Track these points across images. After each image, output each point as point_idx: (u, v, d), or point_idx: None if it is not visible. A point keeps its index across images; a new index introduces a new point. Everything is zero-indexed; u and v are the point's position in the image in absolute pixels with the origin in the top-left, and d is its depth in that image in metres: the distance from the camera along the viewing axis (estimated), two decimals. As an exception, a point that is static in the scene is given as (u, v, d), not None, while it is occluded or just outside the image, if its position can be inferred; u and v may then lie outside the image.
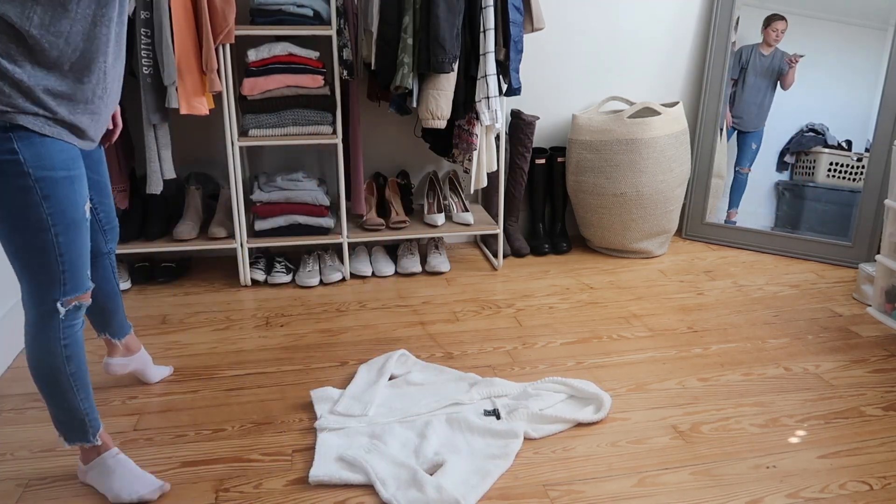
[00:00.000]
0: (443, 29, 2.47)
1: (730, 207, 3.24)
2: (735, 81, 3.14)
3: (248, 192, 2.99)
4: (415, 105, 2.63)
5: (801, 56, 2.89)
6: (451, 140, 2.84)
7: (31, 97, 1.31)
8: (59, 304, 1.46)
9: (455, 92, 2.62)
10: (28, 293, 1.45)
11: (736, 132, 3.19)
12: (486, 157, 2.77)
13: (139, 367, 2.05)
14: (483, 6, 2.56)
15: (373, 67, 2.62)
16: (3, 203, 1.35)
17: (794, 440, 1.83)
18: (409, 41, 2.52)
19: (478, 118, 2.66)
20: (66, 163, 1.39)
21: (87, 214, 1.47)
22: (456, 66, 2.56)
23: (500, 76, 2.69)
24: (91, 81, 1.39)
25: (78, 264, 1.46)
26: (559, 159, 3.16)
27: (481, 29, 2.58)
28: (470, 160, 2.72)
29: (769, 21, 3.04)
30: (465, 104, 2.66)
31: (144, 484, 1.61)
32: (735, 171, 3.19)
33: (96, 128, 1.47)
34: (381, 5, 2.55)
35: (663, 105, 3.10)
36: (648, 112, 3.08)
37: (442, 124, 2.60)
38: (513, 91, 2.73)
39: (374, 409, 1.92)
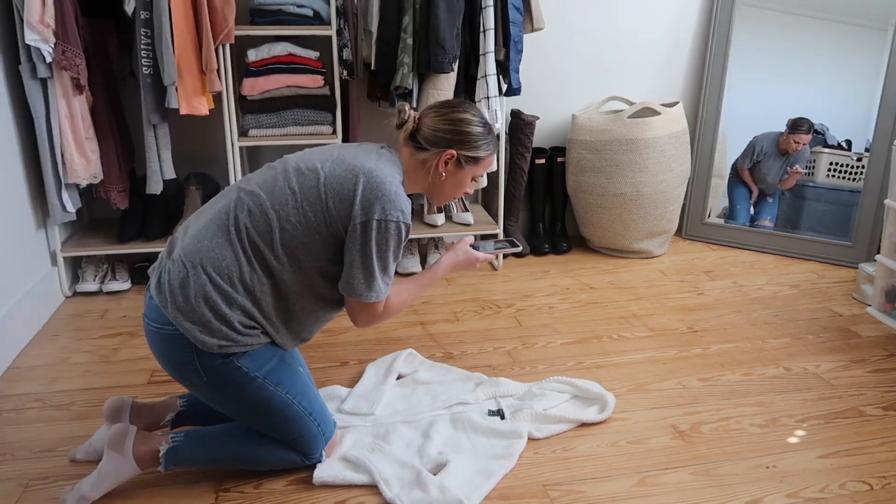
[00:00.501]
0: (443, 29, 2.47)
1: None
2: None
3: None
4: (415, 105, 2.63)
5: (803, 172, 2.91)
6: None
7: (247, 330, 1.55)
8: (322, 453, 1.67)
9: (455, 92, 2.62)
10: (297, 454, 1.65)
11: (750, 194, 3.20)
12: None
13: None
14: (483, 6, 2.56)
15: (373, 67, 2.62)
16: (253, 404, 1.56)
17: (794, 440, 1.83)
18: (409, 41, 2.52)
19: None
20: (272, 349, 1.59)
21: (307, 373, 1.70)
22: (456, 66, 2.56)
23: (500, 76, 2.69)
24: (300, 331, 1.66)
25: (322, 410, 1.66)
26: (559, 159, 3.16)
27: (481, 29, 2.58)
28: None
29: (794, 129, 3.02)
30: None
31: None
32: (752, 218, 3.20)
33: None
34: (380, 5, 2.55)
35: (663, 105, 3.10)
36: (648, 112, 3.08)
37: None
38: (513, 91, 2.73)
39: (381, 407, 1.92)
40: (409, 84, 2.55)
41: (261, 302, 1.53)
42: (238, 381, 1.53)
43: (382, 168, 1.56)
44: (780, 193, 3.15)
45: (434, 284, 1.67)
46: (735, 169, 3.19)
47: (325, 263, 1.56)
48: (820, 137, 3.04)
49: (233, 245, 1.51)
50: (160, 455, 1.58)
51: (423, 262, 2.99)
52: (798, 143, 2.96)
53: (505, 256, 3.11)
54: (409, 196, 1.65)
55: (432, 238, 3.10)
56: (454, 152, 1.62)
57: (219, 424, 1.67)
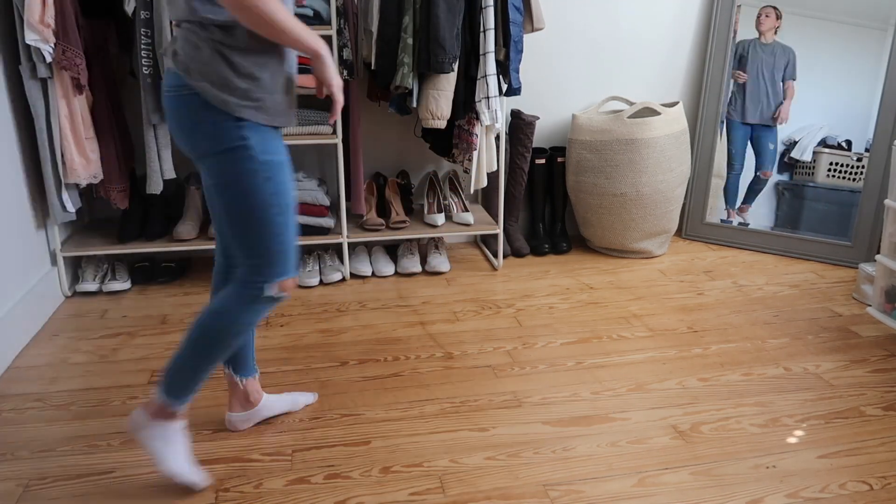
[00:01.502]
0: (443, 29, 2.47)
1: (743, 202, 3.20)
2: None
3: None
4: (414, 105, 2.63)
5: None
6: (452, 140, 2.84)
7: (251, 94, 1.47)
8: (266, 286, 1.56)
9: (455, 92, 2.62)
10: (245, 276, 1.56)
11: (750, 135, 3.17)
12: (486, 157, 2.77)
13: (269, 414, 1.92)
14: (483, 6, 2.56)
15: (373, 67, 2.62)
16: (231, 185, 1.50)
17: (794, 440, 1.83)
18: (409, 41, 2.52)
19: (478, 118, 2.66)
20: (280, 149, 1.54)
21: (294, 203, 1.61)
22: (456, 67, 2.56)
23: (501, 76, 2.69)
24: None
25: (290, 248, 1.58)
26: (559, 159, 3.16)
27: (481, 29, 2.58)
28: (470, 160, 2.72)
29: (759, 15, 3.05)
30: (464, 104, 2.66)
31: (193, 470, 1.64)
32: (757, 175, 3.17)
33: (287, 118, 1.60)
34: (381, 5, 2.55)
35: (663, 105, 3.10)
36: (648, 112, 3.08)
37: (442, 124, 2.60)
38: (513, 91, 2.73)
39: None
40: (410, 84, 2.55)
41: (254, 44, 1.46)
42: (237, 153, 1.49)
43: None
44: (781, 195, 3.15)
45: (308, 38, 1.45)
46: (731, 101, 3.18)
47: None
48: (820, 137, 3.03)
49: None
50: (157, 395, 1.61)
51: (424, 262, 3.00)
52: (763, 27, 2.98)
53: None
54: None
55: (432, 238, 3.10)
56: None
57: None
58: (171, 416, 1.62)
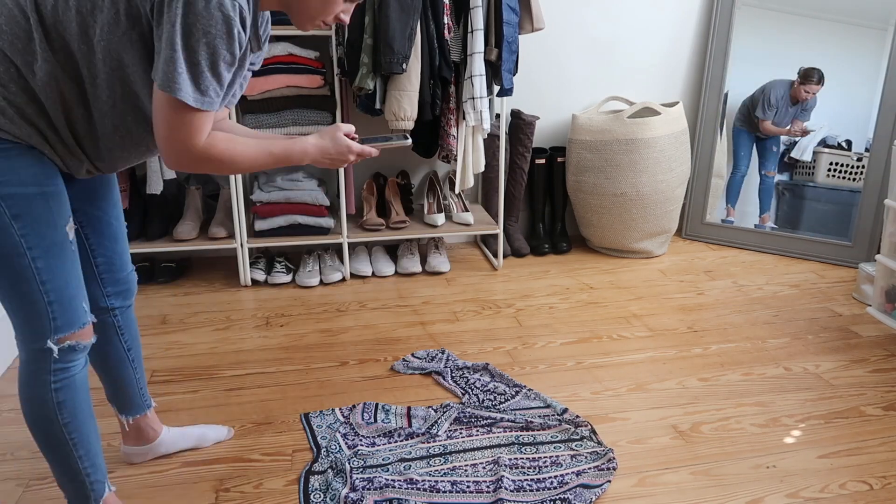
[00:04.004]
0: (392, 29, 2.45)
1: (762, 212, 3.21)
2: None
3: (248, 192, 2.99)
4: (377, 106, 2.61)
5: (811, 131, 2.90)
6: (436, 140, 2.83)
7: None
8: (49, 342, 1.27)
9: (420, 93, 2.59)
10: (18, 331, 1.28)
11: (755, 139, 3.17)
12: (474, 157, 2.77)
13: (170, 451, 1.75)
14: (471, 6, 2.55)
15: (345, 68, 2.61)
16: None
17: (794, 440, 1.83)
18: (370, 41, 2.50)
19: (464, 118, 2.65)
20: (37, 177, 1.21)
21: (72, 236, 1.28)
22: (406, 67, 2.53)
23: (493, 77, 2.68)
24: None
25: (67, 294, 1.26)
26: (559, 159, 3.16)
27: (470, 29, 2.58)
28: (455, 160, 2.72)
29: (805, 79, 3.00)
30: (431, 105, 2.63)
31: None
32: (762, 175, 3.17)
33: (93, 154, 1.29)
34: None
35: (663, 105, 3.10)
36: (648, 112, 3.08)
37: (408, 125, 2.58)
38: (504, 92, 2.73)
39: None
40: (369, 85, 2.52)
41: (51, 100, 1.19)
42: None
43: None
44: (781, 195, 3.15)
45: (289, 161, 1.29)
46: (742, 115, 3.17)
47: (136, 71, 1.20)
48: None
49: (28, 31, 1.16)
50: None
51: (424, 262, 3.00)
52: (808, 92, 2.96)
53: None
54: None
55: (432, 238, 3.10)
56: None
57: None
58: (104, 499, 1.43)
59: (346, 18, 1.33)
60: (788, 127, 3.05)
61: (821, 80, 2.95)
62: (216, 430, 1.81)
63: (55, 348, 1.27)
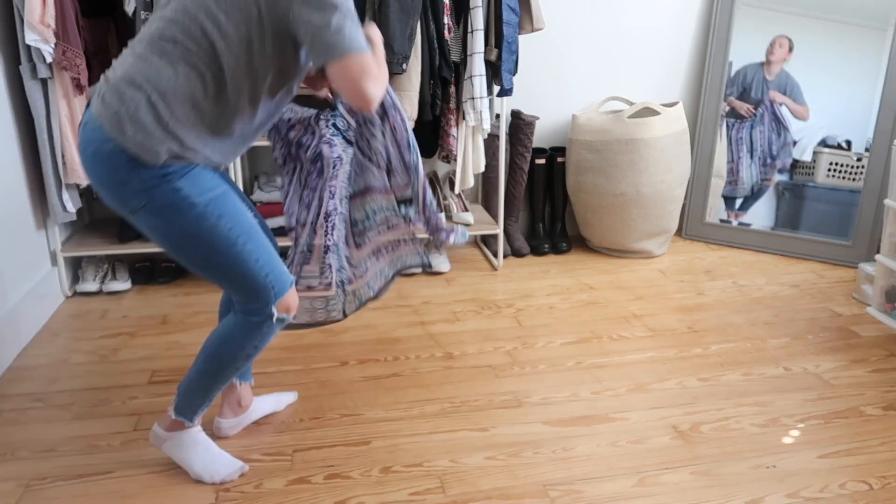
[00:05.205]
0: (392, 29, 2.45)
1: (739, 209, 3.22)
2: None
3: (248, 192, 2.99)
4: None
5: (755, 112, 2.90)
6: (436, 141, 2.83)
7: (184, 146, 1.42)
8: (272, 308, 1.55)
9: (421, 93, 2.59)
10: (246, 306, 1.55)
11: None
12: (474, 157, 2.77)
13: (257, 417, 1.92)
14: (471, 7, 2.55)
15: None
16: (190, 235, 1.45)
17: (793, 440, 1.83)
18: None
19: (464, 118, 2.65)
20: (215, 180, 1.48)
21: (252, 216, 1.57)
22: (406, 67, 2.53)
23: (493, 77, 2.68)
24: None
25: (274, 263, 1.54)
26: (559, 159, 3.16)
27: (470, 30, 2.58)
28: (455, 160, 2.72)
29: (771, 46, 3.01)
30: (431, 105, 2.63)
31: (224, 465, 1.68)
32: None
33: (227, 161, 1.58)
34: None
35: (663, 105, 3.10)
36: (648, 112, 3.08)
37: (408, 125, 2.58)
38: (504, 92, 2.73)
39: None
40: None
41: (202, 109, 1.42)
42: (177, 206, 1.42)
43: None
44: (781, 195, 3.15)
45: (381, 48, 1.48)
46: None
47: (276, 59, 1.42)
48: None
49: (169, 59, 1.39)
50: (170, 412, 1.66)
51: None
52: (772, 56, 2.96)
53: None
54: None
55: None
56: None
57: None
58: (183, 426, 1.67)
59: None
60: (748, 107, 3.04)
61: (791, 49, 2.94)
62: (287, 395, 2.01)
63: (276, 315, 1.55)
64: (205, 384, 1.62)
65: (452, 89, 2.67)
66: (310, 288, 1.75)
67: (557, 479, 1.69)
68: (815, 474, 1.70)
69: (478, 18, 2.55)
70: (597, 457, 1.77)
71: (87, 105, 1.47)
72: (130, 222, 1.49)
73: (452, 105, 2.68)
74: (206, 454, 1.68)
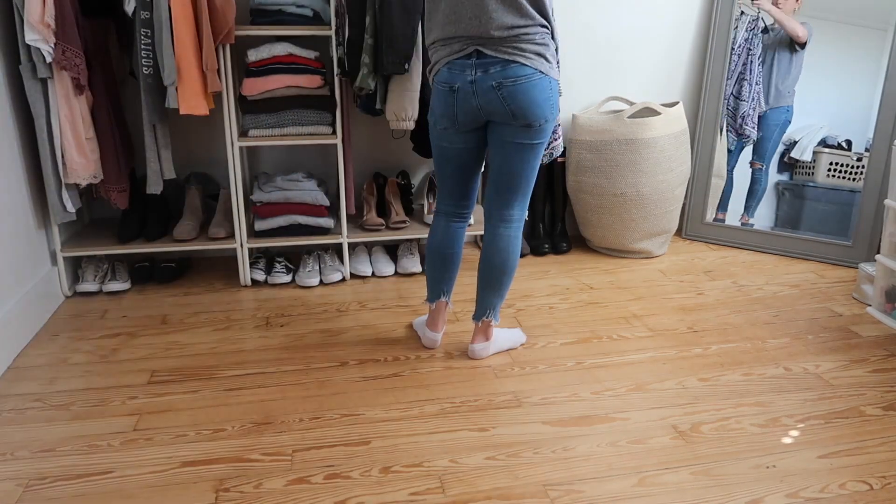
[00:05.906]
0: (396, 29, 2.44)
1: (745, 211, 3.23)
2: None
3: (248, 192, 2.99)
4: (377, 106, 2.60)
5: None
6: None
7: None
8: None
9: (421, 92, 2.59)
10: (521, 207, 2.08)
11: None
12: None
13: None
14: None
15: (346, 69, 2.61)
16: (544, 145, 2.01)
17: (793, 440, 1.83)
18: (370, 41, 2.49)
19: None
20: None
21: None
22: (408, 67, 2.52)
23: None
24: None
25: None
26: (559, 159, 3.16)
27: None
28: None
29: None
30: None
31: (512, 331, 2.33)
32: (751, 167, 3.17)
33: None
34: (348, 6, 2.53)
35: (663, 105, 3.10)
36: (648, 112, 3.08)
37: (409, 125, 2.58)
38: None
39: None
40: (369, 85, 2.51)
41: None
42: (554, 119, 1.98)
43: None
44: (781, 195, 3.14)
45: None
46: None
47: None
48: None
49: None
50: (492, 321, 2.20)
51: (423, 262, 2.99)
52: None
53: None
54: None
55: (432, 238, 3.09)
56: None
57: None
58: (496, 324, 2.21)
59: None
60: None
61: None
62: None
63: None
64: (506, 287, 2.14)
65: None
66: None
67: (557, 479, 1.68)
68: (815, 474, 1.70)
69: None
70: (597, 457, 1.77)
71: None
72: (504, 136, 2.00)
73: None
74: (506, 331, 2.29)
